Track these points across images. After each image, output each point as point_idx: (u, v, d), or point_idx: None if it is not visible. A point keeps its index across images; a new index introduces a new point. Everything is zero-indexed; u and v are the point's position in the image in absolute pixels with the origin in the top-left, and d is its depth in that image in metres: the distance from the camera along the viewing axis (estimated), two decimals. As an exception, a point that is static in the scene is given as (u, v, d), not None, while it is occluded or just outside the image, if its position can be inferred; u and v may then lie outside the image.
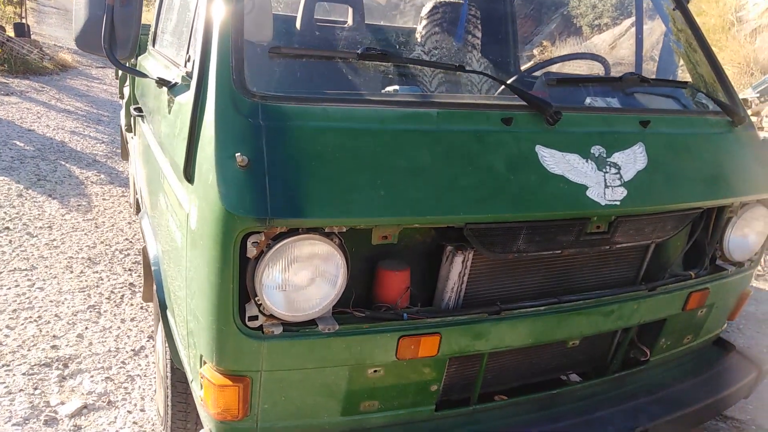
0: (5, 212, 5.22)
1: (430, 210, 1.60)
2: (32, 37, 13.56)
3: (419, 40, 3.37)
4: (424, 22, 3.32)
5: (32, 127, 8.25)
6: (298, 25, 3.09)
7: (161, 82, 1.99)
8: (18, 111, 9.09)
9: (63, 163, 6.86)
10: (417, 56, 3.11)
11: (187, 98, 1.70)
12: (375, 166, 1.58)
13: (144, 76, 2.13)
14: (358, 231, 1.64)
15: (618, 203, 1.82)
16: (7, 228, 4.91)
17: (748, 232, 2.32)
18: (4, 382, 3.06)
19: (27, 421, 2.81)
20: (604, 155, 1.86)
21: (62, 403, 2.96)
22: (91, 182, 6.34)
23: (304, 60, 1.77)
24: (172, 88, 1.97)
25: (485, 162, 1.70)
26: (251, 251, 1.50)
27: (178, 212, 1.77)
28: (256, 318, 1.57)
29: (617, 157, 1.88)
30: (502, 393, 2.12)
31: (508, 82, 1.88)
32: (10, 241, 4.68)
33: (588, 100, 2.10)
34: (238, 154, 1.45)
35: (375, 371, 1.74)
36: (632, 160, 1.91)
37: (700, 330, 2.40)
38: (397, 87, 1.98)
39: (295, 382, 1.67)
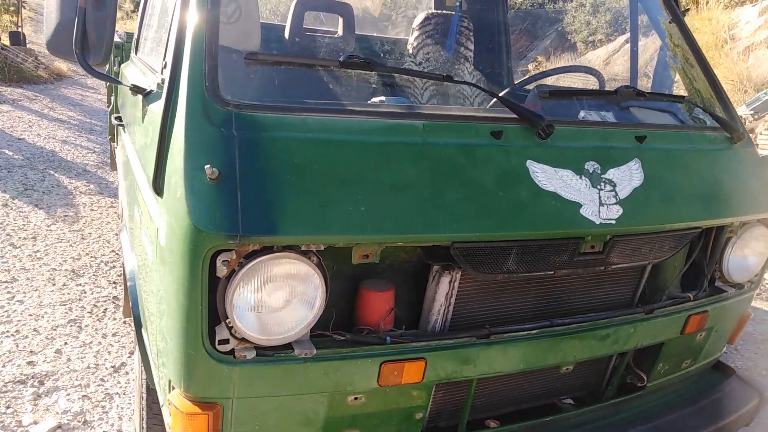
0: (-11, 222, 5.11)
1: (414, 228, 1.51)
2: (28, 45, 13.51)
3: (410, 51, 3.30)
4: (416, 33, 3.25)
5: (22, 136, 8.16)
6: (286, 34, 3.02)
7: (135, 89, 1.90)
8: (9, 120, 9.00)
9: (52, 172, 6.76)
10: (407, 67, 3.04)
11: (159, 106, 1.61)
12: (355, 180, 1.49)
13: (117, 82, 2.04)
14: (339, 249, 1.55)
15: (613, 222, 1.73)
16: (-10, 238, 4.80)
17: (748, 253, 2.23)
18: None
19: None
20: (599, 171, 1.78)
21: (35, 423, 2.84)
22: (80, 192, 6.24)
23: (286, 68, 1.69)
24: (147, 96, 1.88)
25: (473, 177, 1.62)
26: (221, 270, 1.40)
27: (149, 226, 1.68)
28: (227, 342, 1.47)
29: (612, 174, 1.80)
30: (493, 419, 2.02)
31: (500, 94, 1.80)
32: (-8, 252, 4.57)
33: (582, 114, 2.02)
34: (208, 166, 1.36)
35: (356, 398, 1.63)
36: (628, 176, 1.82)
37: (699, 354, 2.31)
38: (383, 98, 1.89)
39: (270, 410, 1.57)
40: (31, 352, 3.38)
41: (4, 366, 3.22)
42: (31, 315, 3.76)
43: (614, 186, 1.78)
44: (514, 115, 1.75)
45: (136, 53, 2.96)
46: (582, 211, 1.70)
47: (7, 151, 7.30)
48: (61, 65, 13.85)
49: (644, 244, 1.87)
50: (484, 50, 3.59)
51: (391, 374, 1.60)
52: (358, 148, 1.53)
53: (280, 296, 1.48)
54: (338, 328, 1.62)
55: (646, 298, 2.14)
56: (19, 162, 6.96)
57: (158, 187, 1.53)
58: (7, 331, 3.55)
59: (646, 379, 2.17)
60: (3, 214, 5.35)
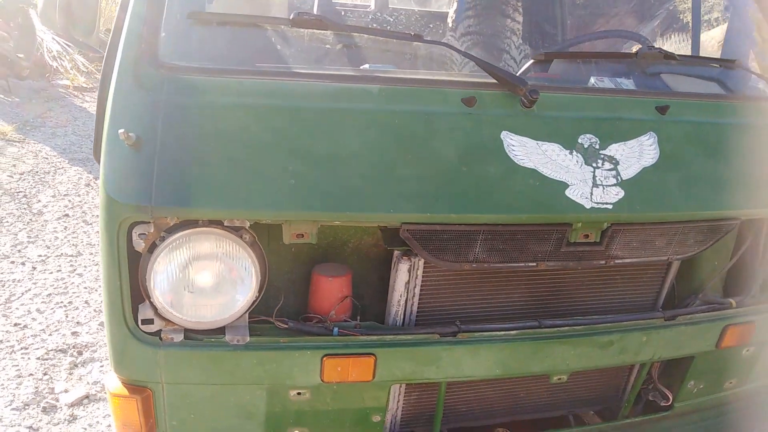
0: (70, 200, 5.46)
1: (352, 205, 1.33)
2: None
3: (451, 25, 3.07)
4: (455, 4, 3.01)
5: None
6: (315, 8, 2.89)
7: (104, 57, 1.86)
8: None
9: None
10: (447, 41, 2.81)
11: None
12: (288, 150, 1.33)
13: (97, 52, 2.01)
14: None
15: (610, 207, 1.45)
16: (66, 215, 5.12)
17: None
18: (17, 366, 3.10)
19: (27, 407, 2.82)
20: (597, 146, 1.49)
21: (66, 391, 2.95)
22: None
23: (251, 31, 1.56)
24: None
25: (433, 150, 1.41)
26: (138, 244, 1.30)
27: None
28: (151, 322, 1.37)
29: (615, 150, 1.51)
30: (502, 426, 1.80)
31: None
32: (66, 227, 4.87)
33: (592, 80, 1.72)
34: (122, 131, 1.26)
35: (299, 393, 1.49)
36: (636, 153, 1.52)
37: (748, 374, 1.93)
38: (367, 65, 1.71)
39: (205, 399, 1.46)
40: (77, 323, 3.53)
41: (50, 334, 3.39)
42: (86, 288, 3.95)
43: (616, 164, 1.49)
44: (494, 80, 1.51)
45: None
46: (568, 192, 1.43)
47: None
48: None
49: (658, 236, 1.56)
50: (533, 23, 3.27)
51: (334, 370, 1.43)
52: (295, 115, 1.37)
53: (208, 276, 1.36)
54: (294, 315, 1.48)
55: (676, 302, 1.81)
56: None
57: (97, 155, 1.47)
58: (62, 302, 3.74)
59: (671, 398, 1.84)
60: (84, 193, 5.71)
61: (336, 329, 1.46)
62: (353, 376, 1.45)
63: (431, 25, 3.16)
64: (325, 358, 1.42)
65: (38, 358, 3.16)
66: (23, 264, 4.17)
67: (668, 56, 1.73)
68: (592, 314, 1.68)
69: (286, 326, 1.45)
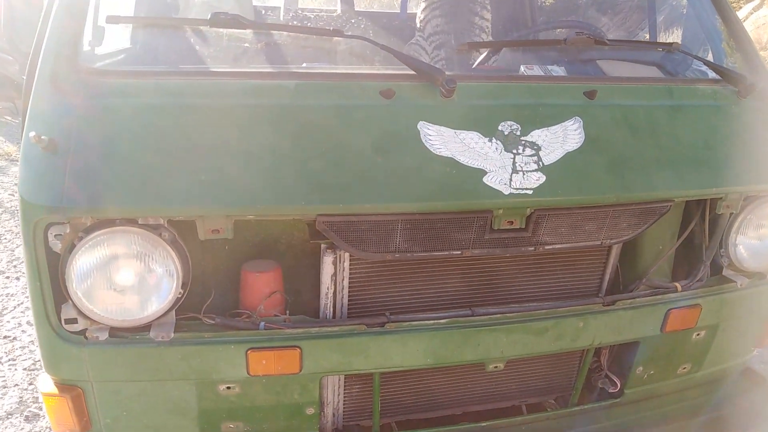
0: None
1: (265, 198, 1.34)
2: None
3: (419, 25, 3.08)
4: (423, 4, 3.03)
5: None
6: (281, 15, 2.93)
7: None
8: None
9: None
10: (415, 42, 2.83)
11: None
12: (202, 147, 1.36)
13: None
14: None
15: (530, 192, 1.45)
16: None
17: (765, 234, 1.80)
18: (4, 376, 3.16)
19: (10, 416, 2.87)
20: (517, 133, 1.49)
21: (49, 400, 2.99)
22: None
23: (173, 33, 1.59)
24: None
25: (349, 142, 1.42)
26: (55, 245, 1.33)
27: None
28: (75, 321, 1.40)
29: (537, 136, 1.50)
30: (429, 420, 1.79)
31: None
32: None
33: (522, 69, 1.72)
34: (33, 134, 1.29)
35: (228, 388, 1.50)
36: (560, 138, 1.52)
37: (702, 358, 1.90)
38: (305, 64, 1.74)
39: (135, 396, 1.48)
40: None
41: (39, 346, 3.45)
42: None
43: (537, 150, 1.49)
44: (413, 72, 1.52)
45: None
46: (486, 179, 1.43)
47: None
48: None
49: (588, 221, 1.55)
50: (503, 21, 3.27)
51: (259, 363, 1.45)
52: (209, 112, 1.39)
53: (127, 275, 1.38)
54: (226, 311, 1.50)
55: (621, 287, 1.79)
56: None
57: None
58: None
59: (619, 384, 1.81)
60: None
61: (262, 323, 1.47)
62: (279, 369, 1.46)
63: (400, 27, 3.18)
64: (249, 352, 1.44)
65: (25, 369, 3.22)
66: (18, 279, 4.25)
67: (599, 42, 1.73)
68: (531, 302, 1.67)
69: (213, 322, 1.46)
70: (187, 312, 1.47)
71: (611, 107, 1.61)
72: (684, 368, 1.89)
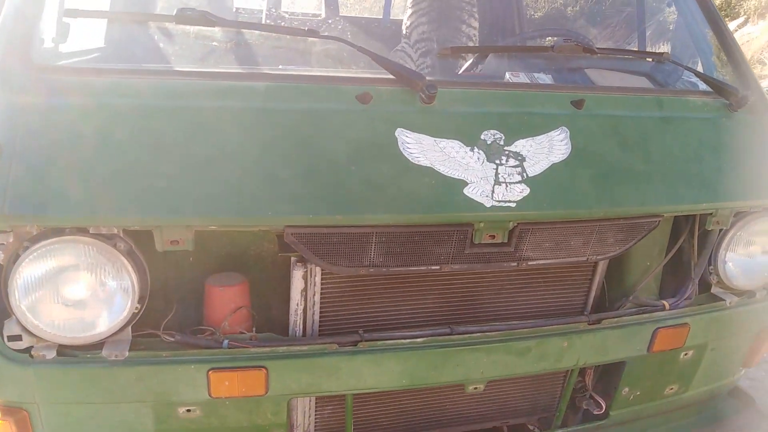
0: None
1: (228, 209, 1.25)
2: None
3: (405, 32, 3.01)
4: (410, 11, 2.95)
5: None
6: (263, 19, 2.83)
7: None
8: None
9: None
10: (401, 49, 2.75)
11: None
12: (160, 152, 1.26)
13: None
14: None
15: (512, 205, 1.37)
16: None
17: (755, 251, 1.74)
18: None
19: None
20: (501, 142, 1.41)
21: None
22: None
23: (136, 29, 1.49)
24: None
25: (321, 149, 1.33)
26: None
27: None
28: (19, 338, 1.28)
29: (521, 146, 1.43)
30: None
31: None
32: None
33: (507, 76, 1.65)
34: None
35: (189, 411, 1.40)
36: (546, 149, 1.44)
37: (690, 379, 1.83)
38: (281, 66, 1.64)
39: (86, 419, 1.37)
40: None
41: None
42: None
43: (522, 160, 1.41)
44: (392, 76, 1.43)
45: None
46: (467, 190, 1.35)
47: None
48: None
49: (573, 236, 1.47)
50: (490, 28, 3.20)
51: (221, 384, 1.34)
52: (170, 114, 1.29)
53: (78, 288, 1.27)
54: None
55: (607, 305, 1.72)
56: None
57: None
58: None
59: (604, 406, 1.73)
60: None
61: (226, 341, 1.37)
62: (244, 391, 1.36)
63: (381, 32, 3.10)
64: (210, 372, 1.33)
65: None
66: None
67: (587, 50, 1.66)
68: (514, 320, 1.58)
69: (172, 339, 1.36)
70: (146, 329, 1.37)
71: (599, 117, 1.54)
72: (671, 389, 1.82)
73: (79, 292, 1.28)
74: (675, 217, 1.69)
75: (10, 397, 1.32)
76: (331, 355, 1.40)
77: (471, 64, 1.87)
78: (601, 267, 1.65)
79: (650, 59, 1.85)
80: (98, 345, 1.32)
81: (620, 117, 1.56)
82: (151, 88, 1.32)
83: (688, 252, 1.74)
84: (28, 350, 1.30)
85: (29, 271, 1.23)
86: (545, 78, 1.64)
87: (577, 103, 1.53)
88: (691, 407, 1.90)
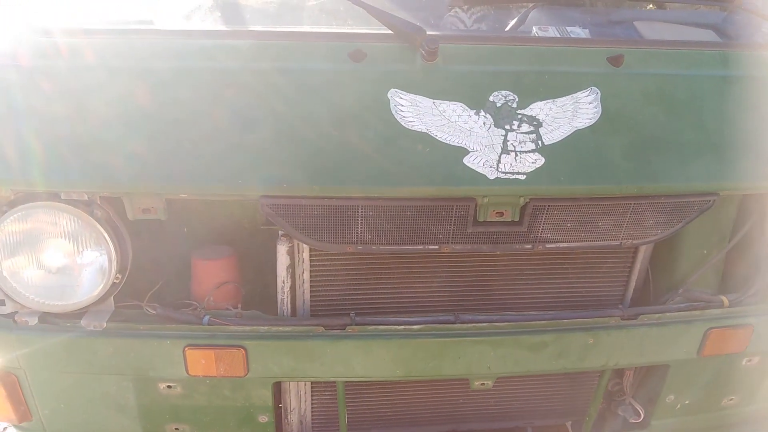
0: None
1: (199, 176, 1.15)
2: None
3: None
4: None
5: None
6: None
7: None
8: None
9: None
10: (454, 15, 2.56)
11: None
12: (133, 116, 1.18)
13: None
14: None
15: (522, 177, 1.17)
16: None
17: None
18: None
19: None
20: (513, 105, 1.22)
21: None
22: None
23: None
24: None
25: (304, 112, 1.20)
26: None
27: None
28: (3, 303, 1.27)
29: (538, 109, 1.22)
30: None
31: None
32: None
33: (534, 30, 1.43)
34: None
35: (169, 387, 1.34)
36: (569, 113, 1.23)
37: (754, 390, 1.55)
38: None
39: (71, 388, 1.35)
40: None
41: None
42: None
43: (537, 126, 1.21)
44: (390, 32, 1.27)
45: None
46: (467, 159, 1.17)
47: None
48: None
49: (600, 216, 1.26)
50: None
51: (198, 362, 1.27)
52: (140, 76, 1.21)
53: (56, 255, 1.24)
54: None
55: (652, 298, 1.48)
56: None
57: None
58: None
59: (642, 413, 1.50)
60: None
61: (207, 317, 1.29)
62: (221, 371, 1.28)
63: None
64: (187, 349, 1.26)
65: None
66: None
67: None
68: (532, 311, 1.39)
69: (154, 312, 1.30)
70: (133, 301, 1.32)
71: (642, 77, 1.30)
72: (730, 400, 1.55)
73: (57, 259, 1.24)
74: (743, 196, 1.42)
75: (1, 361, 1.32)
76: (317, 338, 1.28)
77: (517, 21, 1.64)
78: (643, 254, 1.42)
79: (719, 8, 1.54)
80: (80, 314, 1.29)
81: (668, 76, 1.31)
82: (125, 49, 1.25)
83: (759, 240, 1.46)
84: (12, 315, 1.28)
85: (7, 235, 1.21)
86: (580, 32, 1.41)
87: (615, 60, 1.29)
88: (756, 424, 1.62)
